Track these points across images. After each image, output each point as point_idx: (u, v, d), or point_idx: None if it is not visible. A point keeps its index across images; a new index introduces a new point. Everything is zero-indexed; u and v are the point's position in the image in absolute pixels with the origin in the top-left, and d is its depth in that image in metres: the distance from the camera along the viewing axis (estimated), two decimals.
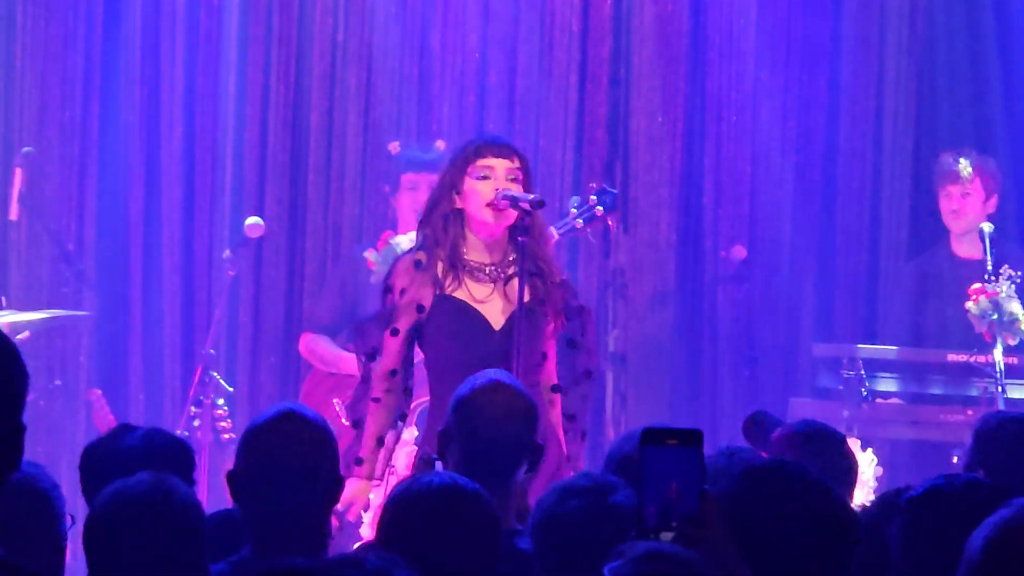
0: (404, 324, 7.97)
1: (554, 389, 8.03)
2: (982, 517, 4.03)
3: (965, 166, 10.64)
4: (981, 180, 10.71)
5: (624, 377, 10.67)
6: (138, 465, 5.09)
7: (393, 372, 7.98)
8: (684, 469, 4.13)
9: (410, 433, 8.45)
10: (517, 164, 7.94)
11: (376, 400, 7.96)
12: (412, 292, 7.90)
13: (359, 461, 7.92)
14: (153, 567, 4.73)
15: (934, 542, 4.37)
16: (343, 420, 9.36)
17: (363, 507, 8.17)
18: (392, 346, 7.99)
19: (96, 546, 4.87)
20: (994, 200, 10.78)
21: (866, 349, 10.52)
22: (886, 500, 5.08)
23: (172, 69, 11.49)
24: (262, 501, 5.28)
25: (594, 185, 9.88)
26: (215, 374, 10.49)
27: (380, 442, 7.94)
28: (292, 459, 5.29)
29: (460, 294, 7.84)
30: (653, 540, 4.03)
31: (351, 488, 7.73)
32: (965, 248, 10.65)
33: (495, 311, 7.82)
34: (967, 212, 10.71)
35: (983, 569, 3.87)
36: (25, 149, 10.75)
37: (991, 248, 10.06)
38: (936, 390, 10.24)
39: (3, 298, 10.43)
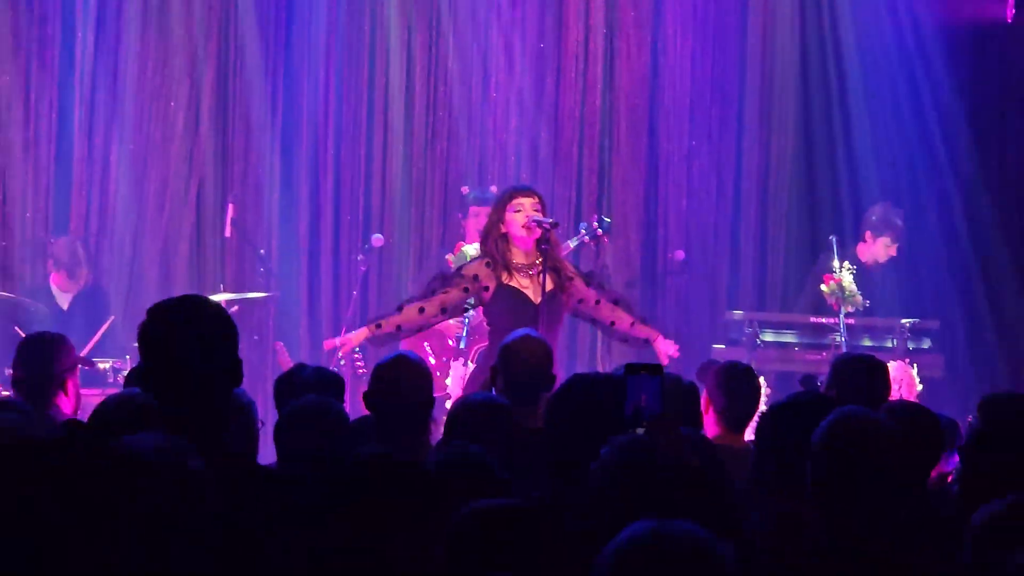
0: (457, 288, 8.07)
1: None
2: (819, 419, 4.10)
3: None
4: None
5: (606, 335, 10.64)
6: (312, 389, 5.15)
7: (444, 310, 8.12)
8: (650, 388, 4.16)
9: (469, 367, 8.47)
10: (537, 200, 8.09)
11: (421, 311, 8.09)
12: (481, 277, 8.01)
13: (378, 325, 8.17)
14: (318, 452, 4.66)
15: (788, 430, 4.40)
16: (430, 359, 9.44)
17: (350, 347, 8.68)
18: (424, 304, 8.12)
19: (282, 441, 4.92)
20: None
21: (759, 314, 10.51)
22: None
23: (325, 126, 11.25)
24: (386, 409, 5.27)
25: (595, 216, 9.88)
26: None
27: (399, 329, 8.18)
28: (404, 384, 5.27)
29: (513, 283, 7.96)
30: (631, 432, 4.04)
31: (357, 333, 8.39)
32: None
33: (534, 293, 7.91)
34: None
35: (820, 456, 3.89)
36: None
37: (837, 250, 10.03)
38: (805, 339, 10.19)
39: (221, 284, 10.45)
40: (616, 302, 8.38)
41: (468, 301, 8.05)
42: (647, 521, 2.61)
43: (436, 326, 9.74)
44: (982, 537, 2.94)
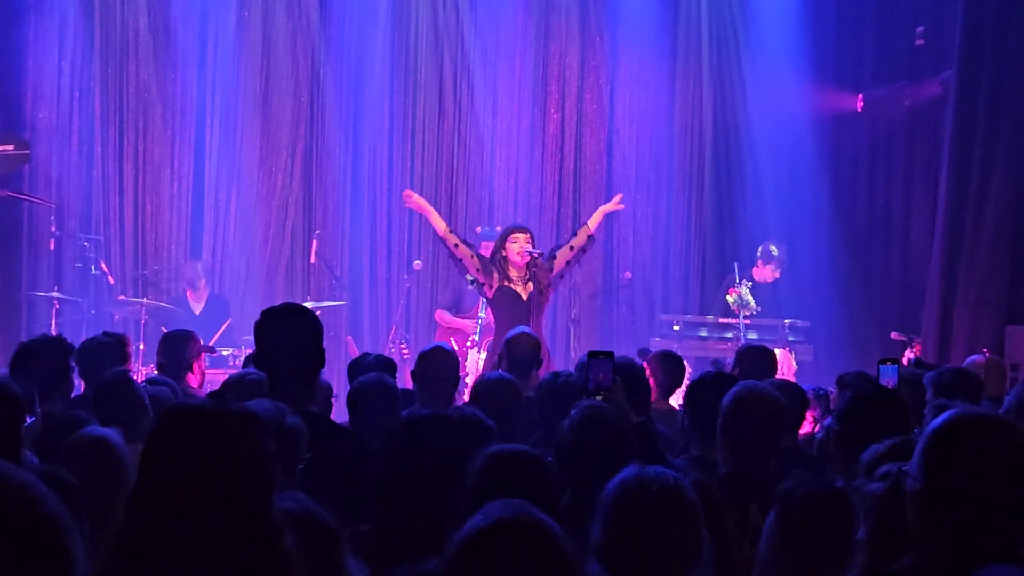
0: (475, 261, 8.07)
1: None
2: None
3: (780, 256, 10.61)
4: None
5: (577, 330, 10.56)
6: (373, 369, 5.15)
7: (478, 269, 8.03)
8: (605, 367, 4.18)
9: (481, 355, 8.48)
10: (528, 235, 8.09)
11: (472, 257, 8.04)
12: (494, 277, 7.99)
13: (451, 231, 8.19)
14: (383, 412, 4.68)
15: (705, 397, 4.43)
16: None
17: (417, 205, 8.44)
18: (469, 251, 8.09)
19: (354, 405, 4.87)
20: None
21: (684, 316, 10.52)
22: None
23: (381, 184, 11.22)
24: (425, 382, 5.25)
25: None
26: (403, 331, 10.54)
27: (455, 247, 8.03)
28: (439, 365, 5.24)
29: (510, 286, 7.95)
30: (591, 398, 4.07)
31: (435, 216, 8.31)
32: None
33: (523, 294, 7.92)
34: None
35: (728, 413, 3.93)
36: (317, 232, 10.77)
37: (738, 272, 10.07)
38: (716, 334, 10.20)
39: (308, 295, 10.43)
40: (554, 252, 8.24)
41: (483, 284, 8.07)
42: (632, 467, 2.64)
43: (458, 327, 9.79)
44: (870, 467, 2.98)
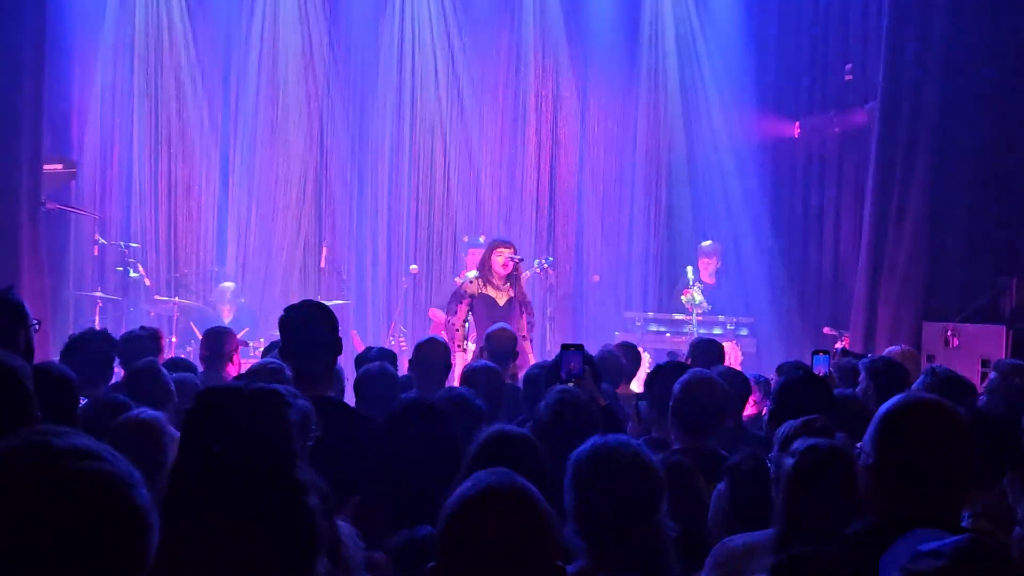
0: (467, 301, 8.03)
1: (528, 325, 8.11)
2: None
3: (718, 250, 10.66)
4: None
5: (553, 326, 10.61)
6: (376, 359, 5.16)
7: (464, 321, 8.02)
8: (576, 357, 4.19)
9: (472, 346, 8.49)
10: (512, 249, 8.11)
11: (457, 329, 7.99)
12: (470, 289, 8.00)
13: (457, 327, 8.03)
14: (380, 397, 4.66)
15: (662, 383, 4.42)
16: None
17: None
18: (463, 309, 8.04)
19: (359, 390, 4.86)
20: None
21: (644, 313, 10.52)
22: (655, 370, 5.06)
23: (382, 199, 11.19)
24: (421, 367, 5.23)
25: (544, 256, 9.93)
26: (401, 326, 10.56)
27: (460, 344, 7.94)
28: (433, 353, 5.23)
29: (488, 293, 7.97)
30: (564, 384, 4.09)
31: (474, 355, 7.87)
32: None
33: (501, 299, 7.94)
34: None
35: (679, 397, 3.93)
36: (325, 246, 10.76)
37: (695, 274, 10.08)
38: (673, 329, 10.20)
39: (319, 295, 10.41)
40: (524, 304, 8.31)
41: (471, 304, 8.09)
42: (597, 437, 2.64)
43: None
44: (785, 442, 2.99)
